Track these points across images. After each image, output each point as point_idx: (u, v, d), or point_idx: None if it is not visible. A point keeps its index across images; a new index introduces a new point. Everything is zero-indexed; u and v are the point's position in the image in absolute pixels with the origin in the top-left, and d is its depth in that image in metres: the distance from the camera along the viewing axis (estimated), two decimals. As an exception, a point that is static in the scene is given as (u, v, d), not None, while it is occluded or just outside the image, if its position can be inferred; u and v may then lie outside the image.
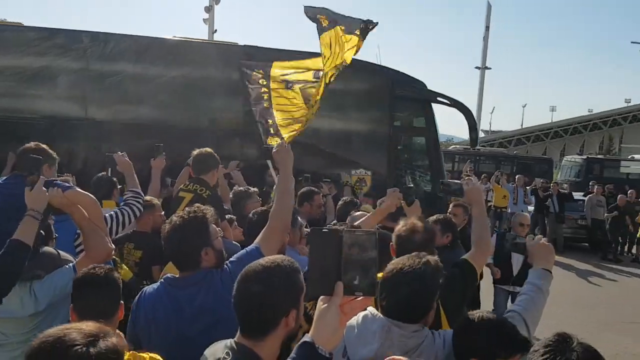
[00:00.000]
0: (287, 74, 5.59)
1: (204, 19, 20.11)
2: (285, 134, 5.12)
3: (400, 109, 7.86)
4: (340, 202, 4.73)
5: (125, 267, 3.67)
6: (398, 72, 8.05)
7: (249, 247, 2.54)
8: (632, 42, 31.75)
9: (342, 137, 7.75)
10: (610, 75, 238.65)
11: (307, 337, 1.28)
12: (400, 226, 2.67)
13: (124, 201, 3.83)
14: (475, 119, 8.70)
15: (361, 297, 1.27)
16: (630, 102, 60.51)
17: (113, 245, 2.99)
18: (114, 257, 3.10)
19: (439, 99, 8.13)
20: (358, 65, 7.90)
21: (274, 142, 5.01)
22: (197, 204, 2.56)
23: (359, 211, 4.25)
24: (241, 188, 4.91)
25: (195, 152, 4.34)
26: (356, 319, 2.08)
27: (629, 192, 14.58)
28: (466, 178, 2.79)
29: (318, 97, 4.78)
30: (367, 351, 2.00)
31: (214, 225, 2.46)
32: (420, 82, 8.32)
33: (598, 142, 57.07)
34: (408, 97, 7.94)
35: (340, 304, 1.26)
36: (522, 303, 2.28)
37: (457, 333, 2.00)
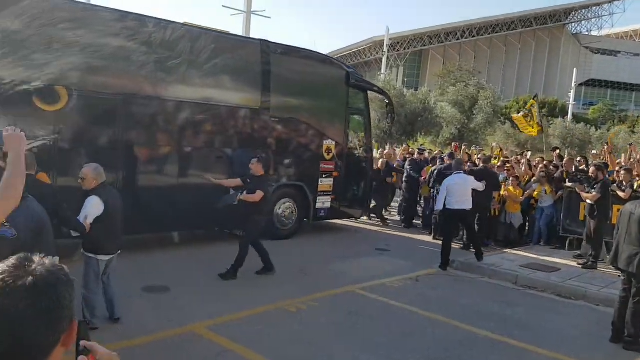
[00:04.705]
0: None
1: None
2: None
3: (351, 95, 10.67)
4: None
5: None
6: (350, 67, 10.79)
7: None
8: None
9: (318, 115, 10.30)
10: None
11: None
12: None
13: None
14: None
15: None
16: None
17: None
18: None
19: (374, 88, 11.33)
20: (326, 61, 10.51)
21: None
22: None
23: None
24: None
25: None
26: None
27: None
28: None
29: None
30: None
31: None
32: (360, 74, 11.28)
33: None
34: (356, 85, 10.77)
35: None
36: None
37: None
